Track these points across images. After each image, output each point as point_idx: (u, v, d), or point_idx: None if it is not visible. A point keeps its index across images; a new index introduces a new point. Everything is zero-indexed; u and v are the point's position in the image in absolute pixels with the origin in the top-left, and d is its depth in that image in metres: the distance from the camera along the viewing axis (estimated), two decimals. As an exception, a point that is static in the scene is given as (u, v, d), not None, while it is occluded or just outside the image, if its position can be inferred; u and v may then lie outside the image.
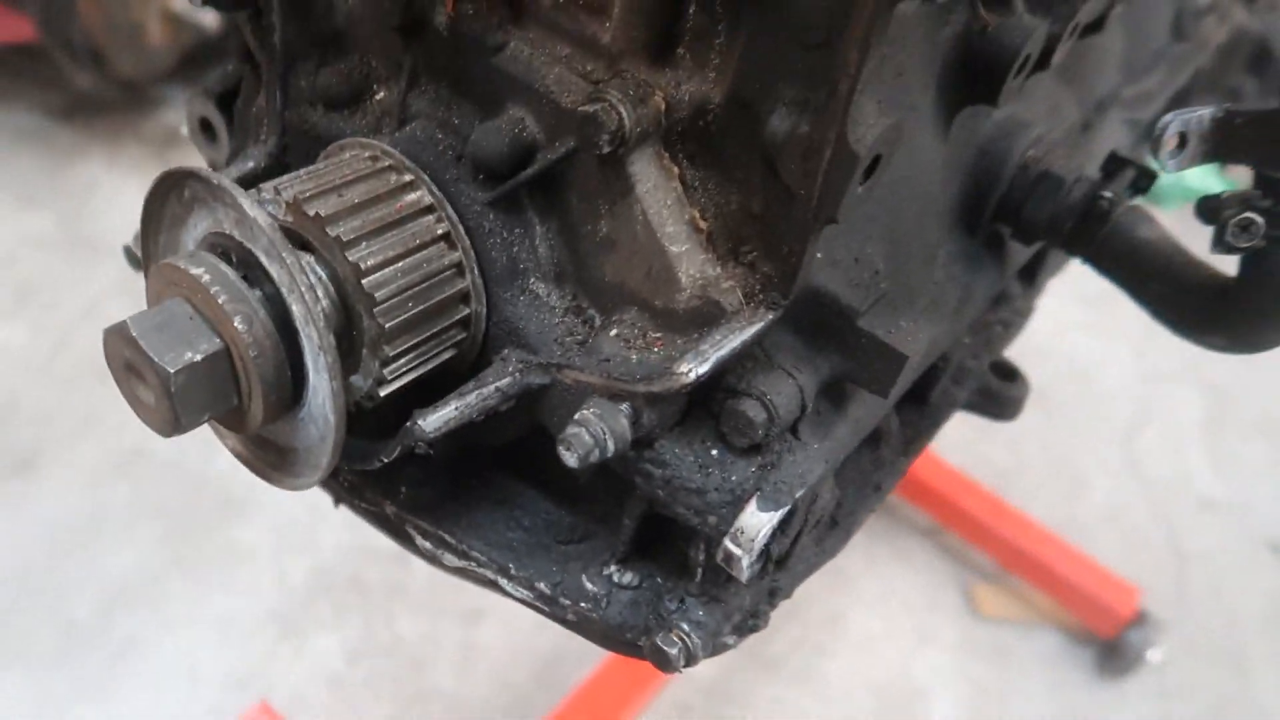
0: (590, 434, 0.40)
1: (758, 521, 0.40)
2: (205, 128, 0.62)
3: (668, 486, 0.42)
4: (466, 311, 0.45)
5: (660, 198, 0.42)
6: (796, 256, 0.40)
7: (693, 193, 0.42)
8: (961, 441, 1.88)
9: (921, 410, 0.64)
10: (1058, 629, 1.58)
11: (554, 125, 0.43)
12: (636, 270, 0.43)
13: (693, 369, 0.40)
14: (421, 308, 0.43)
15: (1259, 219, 0.47)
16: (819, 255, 0.42)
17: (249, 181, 0.51)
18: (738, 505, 0.41)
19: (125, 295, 1.70)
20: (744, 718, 1.37)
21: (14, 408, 1.51)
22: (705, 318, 0.42)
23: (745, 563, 0.40)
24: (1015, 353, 1.88)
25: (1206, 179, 0.85)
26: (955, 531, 1.64)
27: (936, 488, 1.62)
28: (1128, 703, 1.50)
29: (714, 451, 0.42)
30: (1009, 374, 0.88)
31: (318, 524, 1.43)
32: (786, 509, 0.41)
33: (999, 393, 0.83)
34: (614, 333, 0.43)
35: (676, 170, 0.42)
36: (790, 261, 0.41)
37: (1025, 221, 0.56)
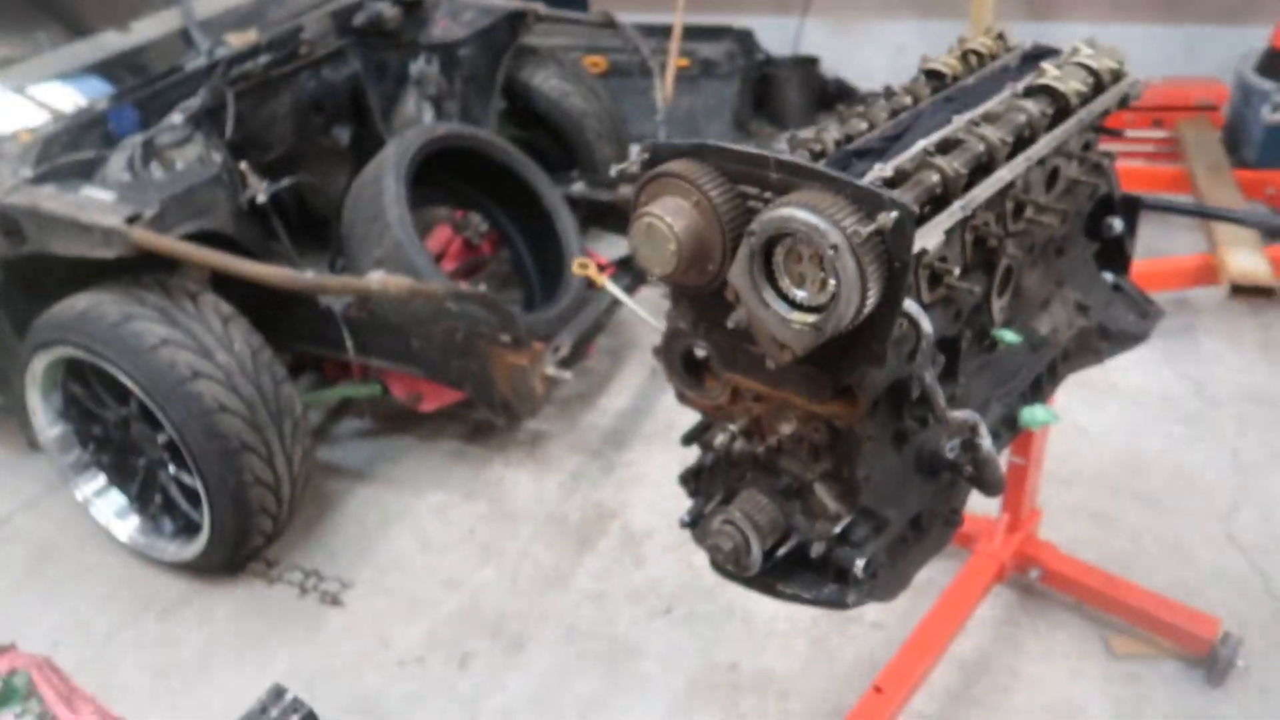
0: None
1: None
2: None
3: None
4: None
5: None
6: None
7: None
8: (1091, 539, 2.66)
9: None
10: (1174, 658, 2.30)
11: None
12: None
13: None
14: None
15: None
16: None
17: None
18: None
19: (541, 539, 2.86)
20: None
21: (501, 615, 2.64)
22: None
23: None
24: (1129, 462, 2.78)
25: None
26: (1089, 604, 2.42)
27: (1072, 575, 2.41)
28: (1231, 697, 2.20)
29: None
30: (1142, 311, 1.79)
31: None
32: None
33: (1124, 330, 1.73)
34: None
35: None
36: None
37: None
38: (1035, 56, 1.59)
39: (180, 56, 3.33)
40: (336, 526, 2.97)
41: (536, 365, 2.73)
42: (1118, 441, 2.95)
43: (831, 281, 1.02)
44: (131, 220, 2.38)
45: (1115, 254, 1.80)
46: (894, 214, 0.99)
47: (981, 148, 1.27)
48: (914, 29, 5.09)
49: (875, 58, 5.23)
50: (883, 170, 1.19)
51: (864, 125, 1.38)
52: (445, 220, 3.73)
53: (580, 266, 1.84)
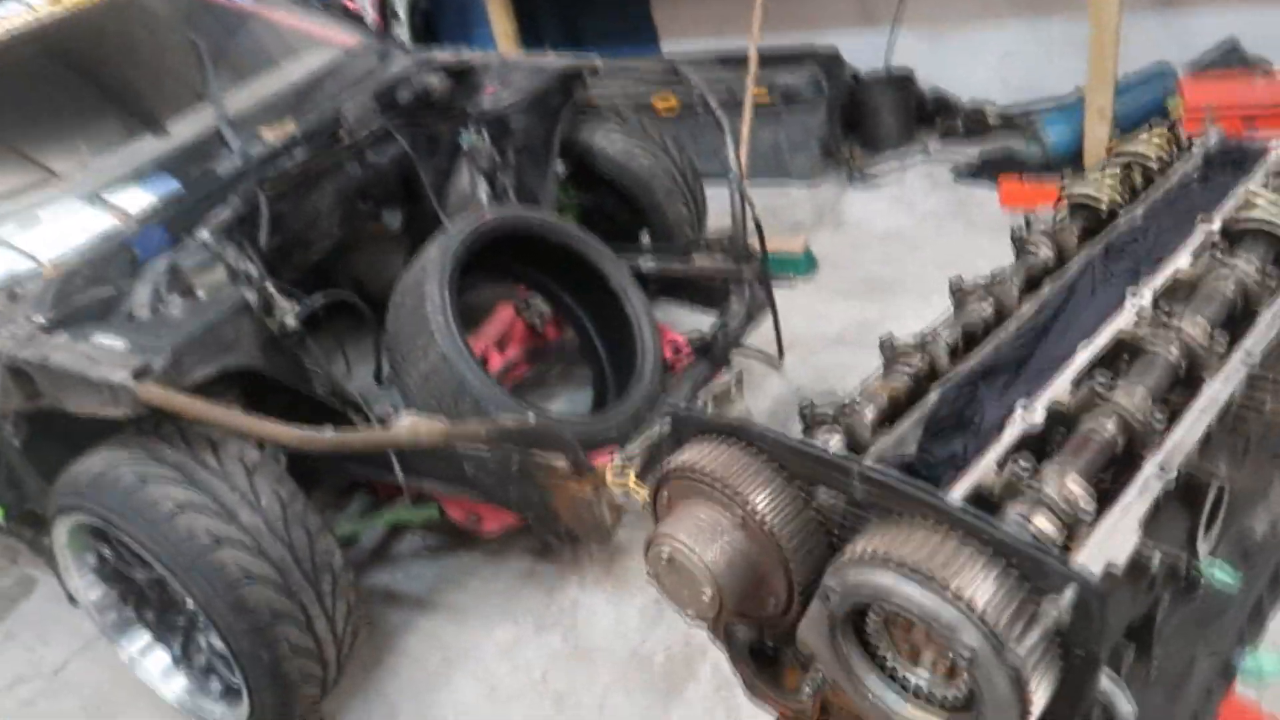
0: None
1: None
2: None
3: None
4: None
5: None
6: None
7: None
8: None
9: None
10: None
11: None
12: None
13: None
14: None
15: None
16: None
17: None
18: None
19: (621, 686, 2.49)
20: None
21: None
22: None
23: None
24: None
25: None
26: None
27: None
28: None
29: None
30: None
31: None
32: None
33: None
34: None
35: None
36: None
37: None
38: (1226, 160, 1.13)
39: (215, 158, 3.09)
40: (396, 670, 2.68)
41: (603, 494, 2.36)
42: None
43: (966, 680, 0.62)
44: (140, 374, 2.12)
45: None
46: (1069, 595, 0.58)
47: (1175, 354, 0.85)
48: (1022, 31, 4.54)
49: (977, 67, 4.69)
50: (1030, 416, 0.78)
51: (989, 310, 0.96)
52: (508, 298, 3.43)
53: (617, 472, 1.44)
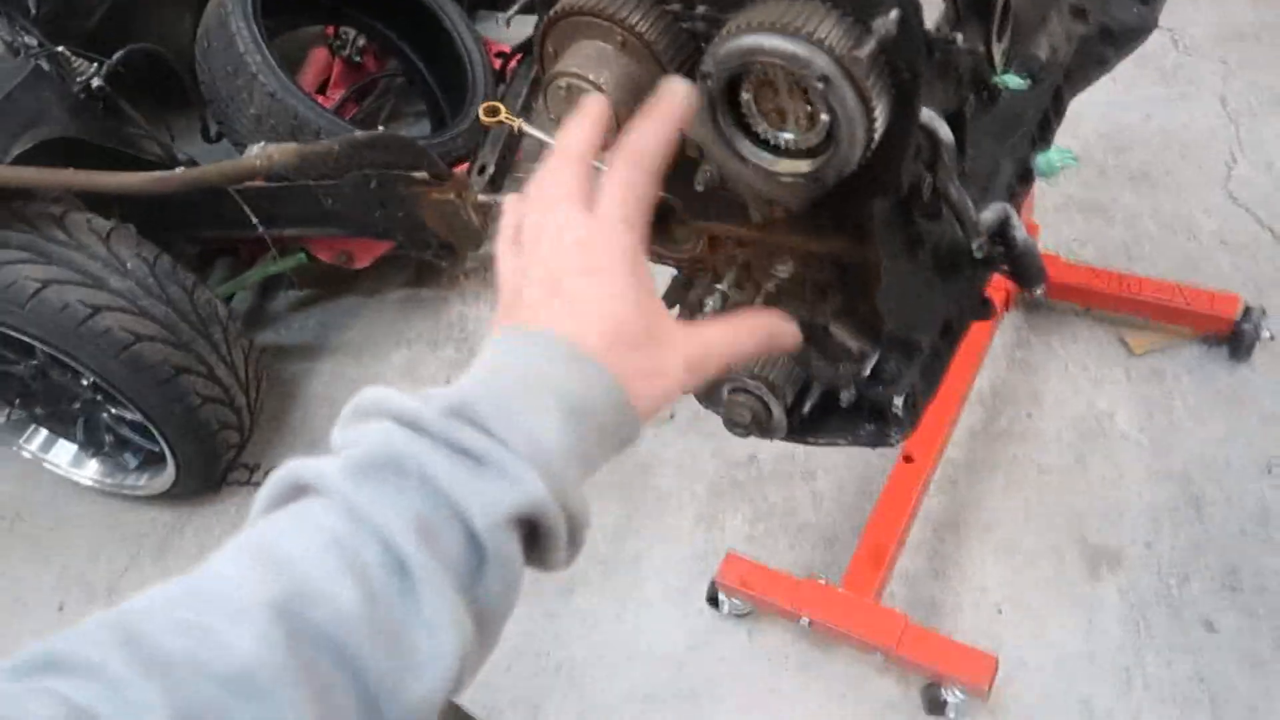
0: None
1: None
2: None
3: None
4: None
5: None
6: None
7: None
8: (1087, 234, 2.51)
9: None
10: (1195, 343, 2.22)
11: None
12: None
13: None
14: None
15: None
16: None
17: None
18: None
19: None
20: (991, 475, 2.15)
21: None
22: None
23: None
24: (1112, 139, 2.58)
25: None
26: (1100, 308, 2.31)
27: (1076, 282, 2.28)
28: (1258, 371, 2.15)
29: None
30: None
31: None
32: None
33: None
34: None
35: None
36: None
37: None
38: None
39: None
40: (307, 413, 2.80)
41: (465, 196, 2.44)
42: (1095, 117, 2.74)
43: (824, 117, 0.78)
44: (-51, 154, 2.00)
45: (1103, -73, 1.50)
46: (894, 14, 0.73)
47: None
48: None
49: None
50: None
51: None
52: (316, 42, 3.28)
53: (488, 113, 1.48)
